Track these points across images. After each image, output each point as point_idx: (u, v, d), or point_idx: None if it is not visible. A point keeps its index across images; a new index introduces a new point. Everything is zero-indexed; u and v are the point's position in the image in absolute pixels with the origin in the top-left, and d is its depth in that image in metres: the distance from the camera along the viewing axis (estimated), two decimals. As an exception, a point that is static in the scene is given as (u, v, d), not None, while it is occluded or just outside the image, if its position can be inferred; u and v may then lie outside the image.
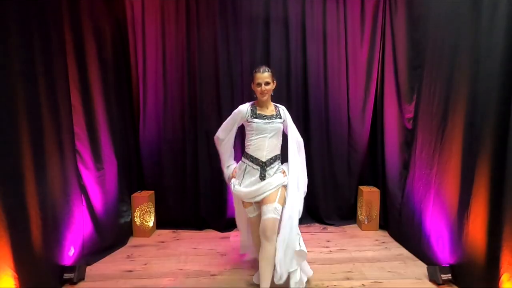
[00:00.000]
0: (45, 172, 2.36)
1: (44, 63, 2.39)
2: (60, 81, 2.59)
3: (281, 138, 2.46)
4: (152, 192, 3.66)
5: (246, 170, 2.40)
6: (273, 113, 2.41)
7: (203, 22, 3.53)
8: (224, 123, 2.50)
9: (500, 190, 2.05)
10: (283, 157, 2.49)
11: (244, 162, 2.42)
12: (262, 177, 2.34)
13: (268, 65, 3.64)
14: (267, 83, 2.34)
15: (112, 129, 3.21)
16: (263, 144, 2.36)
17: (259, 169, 2.35)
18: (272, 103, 2.49)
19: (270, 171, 2.37)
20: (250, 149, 2.39)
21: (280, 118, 2.43)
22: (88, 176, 2.91)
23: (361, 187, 3.80)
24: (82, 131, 2.84)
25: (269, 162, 2.37)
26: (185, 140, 3.65)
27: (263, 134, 2.36)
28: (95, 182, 2.99)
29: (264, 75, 2.34)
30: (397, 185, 3.38)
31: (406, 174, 3.21)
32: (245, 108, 2.42)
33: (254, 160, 2.37)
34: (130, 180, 3.61)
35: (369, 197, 3.67)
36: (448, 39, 2.61)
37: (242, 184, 2.40)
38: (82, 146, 2.84)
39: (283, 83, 3.68)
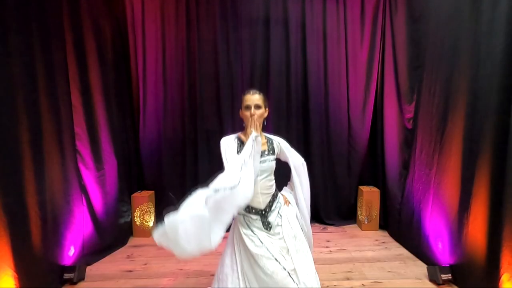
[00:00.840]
0: (45, 171, 2.36)
1: (44, 63, 2.39)
2: (60, 81, 2.59)
3: (273, 176, 1.99)
4: (152, 192, 3.66)
5: (246, 220, 1.94)
6: (264, 149, 1.95)
7: (203, 22, 3.54)
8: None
9: (500, 190, 2.04)
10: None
11: (240, 214, 1.96)
12: (267, 226, 1.93)
13: (268, 65, 3.65)
14: (257, 107, 1.91)
15: (112, 129, 3.21)
16: (255, 190, 1.82)
17: (259, 219, 1.93)
18: (264, 134, 2.03)
19: (272, 215, 1.95)
20: None
21: (273, 153, 1.98)
22: (88, 176, 2.92)
23: (361, 187, 3.80)
24: (82, 131, 2.84)
25: (268, 207, 1.95)
26: (185, 140, 3.65)
27: None
28: (95, 182, 2.99)
29: (254, 97, 1.93)
30: (397, 185, 3.38)
31: (406, 174, 3.21)
32: (230, 140, 1.94)
33: (250, 209, 1.93)
34: (130, 180, 3.62)
35: (369, 197, 3.67)
36: (448, 39, 2.61)
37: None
38: (82, 146, 2.84)
39: (283, 83, 3.68)
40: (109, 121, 3.17)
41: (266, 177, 1.94)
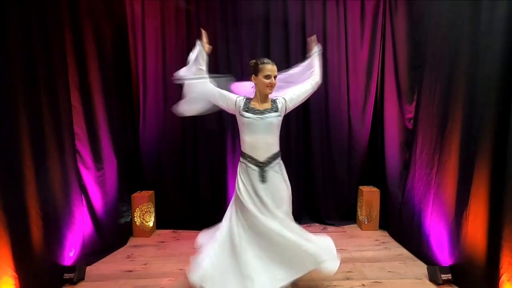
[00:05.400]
0: (45, 172, 2.37)
1: (44, 63, 2.39)
2: (60, 81, 2.59)
3: (278, 133, 2.30)
4: (152, 192, 3.66)
5: (248, 171, 2.26)
6: (267, 107, 2.24)
7: (203, 22, 3.53)
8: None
9: (500, 190, 2.05)
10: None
11: (243, 163, 2.29)
12: (262, 179, 2.23)
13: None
14: (275, 77, 2.24)
15: (112, 129, 3.21)
16: (257, 142, 2.23)
17: (258, 170, 2.23)
18: (271, 96, 2.34)
19: (271, 171, 2.25)
20: (246, 148, 2.27)
21: (276, 111, 2.24)
22: (88, 176, 2.92)
23: (361, 187, 3.80)
24: (82, 131, 2.84)
25: (267, 161, 2.24)
26: (185, 140, 3.65)
27: (254, 131, 2.21)
28: (95, 182, 3.00)
29: (274, 68, 2.23)
30: (397, 185, 3.38)
31: (407, 174, 3.21)
32: (239, 98, 2.28)
33: (251, 160, 2.24)
34: (130, 180, 3.61)
35: (369, 197, 3.67)
36: (448, 39, 2.61)
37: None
38: (82, 146, 2.84)
39: (283, 83, 3.67)
40: (109, 121, 3.16)
41: (267, 133, 2.23)
